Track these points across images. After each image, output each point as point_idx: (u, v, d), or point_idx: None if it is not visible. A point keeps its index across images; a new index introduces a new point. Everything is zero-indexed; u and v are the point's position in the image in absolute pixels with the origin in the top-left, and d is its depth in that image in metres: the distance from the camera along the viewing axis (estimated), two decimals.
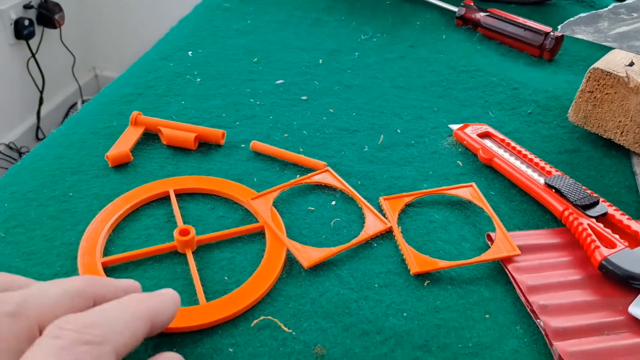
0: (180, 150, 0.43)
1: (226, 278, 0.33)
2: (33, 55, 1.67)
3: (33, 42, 1.67)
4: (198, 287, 0.32)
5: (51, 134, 0.45)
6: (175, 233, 0.34)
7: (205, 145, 0.43)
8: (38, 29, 1.68)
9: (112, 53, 1.92)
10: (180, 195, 0.39)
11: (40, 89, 1.74)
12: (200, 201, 0.38)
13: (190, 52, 0.55)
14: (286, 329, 0.31)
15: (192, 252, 0.34)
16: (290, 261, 0.34)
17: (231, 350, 0.29)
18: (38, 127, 1.77)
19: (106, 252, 0.34)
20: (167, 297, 0.27)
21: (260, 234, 0.36)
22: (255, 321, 0.31)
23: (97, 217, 0.36)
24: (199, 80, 0.51)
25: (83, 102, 1.89)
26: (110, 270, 0.33)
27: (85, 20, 1.86)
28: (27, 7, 1.62)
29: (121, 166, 0.41)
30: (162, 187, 0.38)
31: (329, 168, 0.41)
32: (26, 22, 1.60)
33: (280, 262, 0.34)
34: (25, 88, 1.70)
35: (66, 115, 1.87)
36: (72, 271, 0.33)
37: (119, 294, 0.26)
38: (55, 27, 1.69)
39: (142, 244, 0.35)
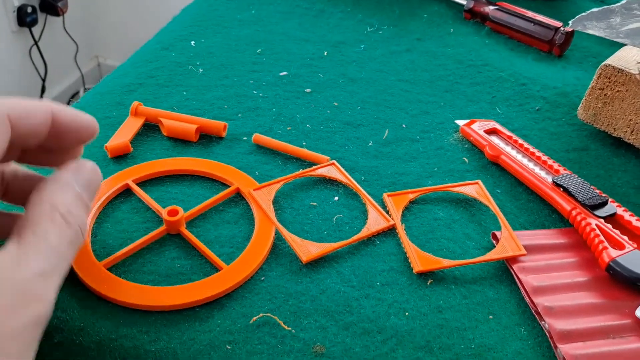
0: (181, 142, 0.42)
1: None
2: (36, 42, 1.66)
3: (36, 30, 1.66)
4: (211, 255, 0.33)
5: None
6: (164, 215, 0.34)
7: (206, 137, 0.42)
8: (41, 17, 1.66)
9: (116, 41, 1.91)
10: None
11: (43, 77, 1.73)
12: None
13: (192, 42, 0.54)
14: (285, 327, 0.30)
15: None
16: (291, 257, 0.34)
17: (229, 347, 0.29)
18: None
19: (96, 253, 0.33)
20: (35, 103, 0.26)
21: (240, 199, 0.37)
22: (254, 318, 0.30)
23: None
24: (201, 70, 0.50)
25: (85, 90, 1.88)
26: (111, 269, 0.32)
27: (88, 8, 1.84)
28: None
29: (120, 157, 0.40)
30: (122, 178, 0.38)
31: (334, 161, 0.40)
32: (29, 10, 1.59)
33: (267, 247, 0.34)
34: (27, 76, 1.69)
35: (68, 103, 1.87)
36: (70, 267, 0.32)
37: None
38: (58, 15, 1.68)
39: (130, 237, 0.34)
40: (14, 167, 0.30)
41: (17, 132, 0.25)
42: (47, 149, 0.29)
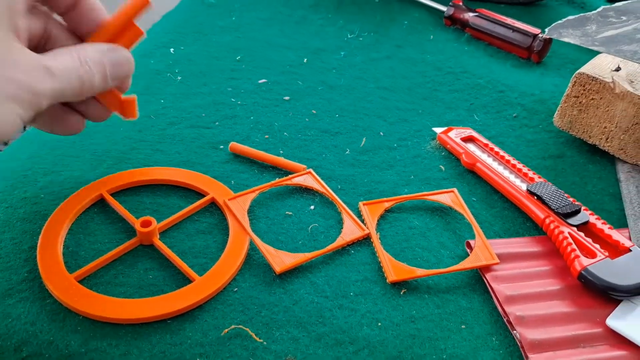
0: (157, 151, 0.42)
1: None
2: None
3: None
4: (184, 266, 0.33)
5: (25, 132, 0.44)
6: (137, 226, 0.34)
7: (182, 145, 0.42)
8: None
9: None
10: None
11: None
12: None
13: (172, 49, 0.54)
14: (257, 339, 0.30)
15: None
16: (264, 268, 0.34)
17: None
18: None
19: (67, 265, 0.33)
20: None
21: (215, 209, 0.38)
22: (226, 330, 0.30)
23: (43, 234, 0.34)
24: (179, 78, 0.50)
25: None
26: (82, 281, 0.32)
27: None
28: None
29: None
30: (96, 189, 0.37)
31: (310, 170, 0.40)
32: None
33: (240, 258, 0.34)
34: None
35: None
36: (40, 279, 0.32)
37: None
38: None
39: (102, 249, 0.34)
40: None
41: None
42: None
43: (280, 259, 0.34)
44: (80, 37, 0.33)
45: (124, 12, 0.31)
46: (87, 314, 0.30)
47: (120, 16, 0.31)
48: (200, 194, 0.38)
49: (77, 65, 0.29)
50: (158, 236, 0.34)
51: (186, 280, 0.33)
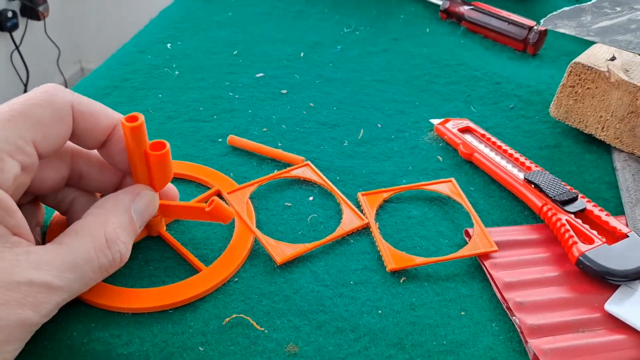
0: None
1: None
2: (17, 47, 1.64)
3: (17, 34, 1.64)
4: (191, 256, 0.33)
5: None
6: None
7: (180, 139, 0.42)
8: (22, 21, 1.65)
9: (98, 45, 1.90)
10: None
11: (25, 82, 1.72)
12: None
13: (169, 45, 0.54)
14: (258, 327, 0.30)
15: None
16: (265, 258, 0.34)
17: (201, 349, 0.29)
18: None
19: None
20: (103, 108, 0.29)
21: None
22: (227, 319, 0.30)
23: (50, 226, 0.34)
24: (177, 73, 0.50)
25: None
26: None
27: (70, 11, 1.83)
28: None
29: None
30: None
31: (308, 162, 0.41)
32: (9, 14, 1.58)
33: (245, 250, 0.34)
34: (9, 81, 1.67)
35: None
36: None
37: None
38: (39, 19, 1.67)
39: None
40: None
41: (78, 128, 0.27)
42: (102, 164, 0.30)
43: (281, 250, 0.34)
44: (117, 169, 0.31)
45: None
46: (91, 302, 0.30)
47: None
48: (205, 186, 0.38)
49: (93, 255, 0.25)
50: (165, 228, 0.35)
51: (188, 272, 0.33)
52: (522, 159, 0.41)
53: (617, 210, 0.39)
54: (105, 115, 0.28)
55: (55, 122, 0.26)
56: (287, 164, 0.41)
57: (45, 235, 0.33)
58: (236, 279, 0.33)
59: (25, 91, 1.72)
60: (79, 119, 0.27)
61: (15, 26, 1.61)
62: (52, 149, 0.26)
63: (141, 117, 0.27)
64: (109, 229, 0.26)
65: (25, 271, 0.23)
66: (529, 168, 0.40)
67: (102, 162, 0.31)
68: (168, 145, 0.29)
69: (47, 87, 0.27)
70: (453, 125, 0.45)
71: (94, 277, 0.26)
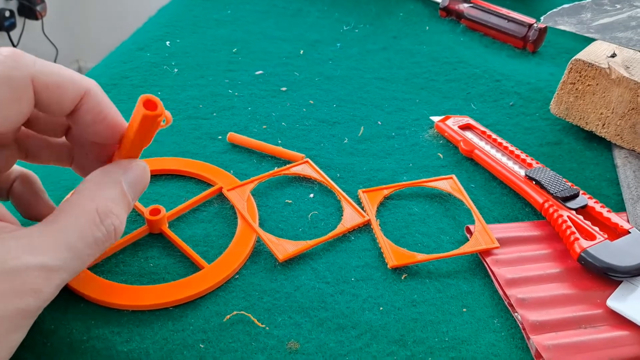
0: (154, 140, 0.42)
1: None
2: (14, 47, 1.64)
3: (14, 34, 1.64)
4: (193, 254, 0.33)
5: None
6: (146, 214, 0.33)
7: (180, 136, 0.42)
8: (19, 20, 1.65)
9: (96, 45, 1.89)
10: None
11: None
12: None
13: (168, 42, 0.54)
14: (259, 324, 0.30)
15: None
16: (266, 255, 0.34)
17: (202, 346, 0.29)
18: None
19: None
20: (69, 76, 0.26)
21: (223, 198, 0.37)
22: (228, 316, 0.30)
23: None
24: (176, 70, 0.50)
25: None
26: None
27: (68, 11, 1.83)
28: None
29: None
30: None
31: (308, 159, 0.40)
32: (7, 14, 1.57)
33: (248, 248, 0.34)
34: None
35: None
36: None
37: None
38: (37, 19, 1.66)
39: None
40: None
41: (41, 103, 0.24)
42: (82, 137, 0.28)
43: (283, 247, 0.34)
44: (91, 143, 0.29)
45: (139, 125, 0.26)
46: (91, 299, 0.30)
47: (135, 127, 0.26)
48: (206, 183, 0.38)
49: (86, 230, 0.24)
50: (167, 225, 0.34)
51: (189, 269, 0.32)
52: (522, 155, 0.41)
53: (618, 207, 0.39)
54: (72, 84, 0.25)
55: (13, 100, 0.23)
56: (287, 161, 0.41)
57: None
58: (237, 276, 0.32)
59: None
60: (42, 93, 0.24)
61: (12, 26, 1.61)
62: (11, 128, 0.24)
63: (160, 106, 0.25)
64: (100, 202, 0.25)
65: (18, 257, 0.22)
66: (529, 165, 0.40)
67: (52, 141, 0.29)
68: (161, 104, 0.25)
69: (2, 56, 0.23)
70: (453, 123, 0.45)
71: (90, 252, 0.24)
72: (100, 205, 0.25)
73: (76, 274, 0.24)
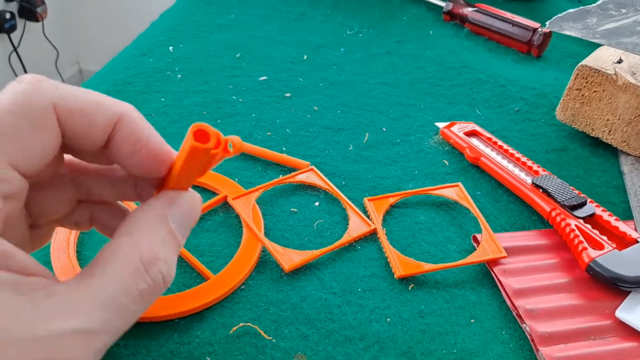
0: None
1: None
2: (15, 49, 1.64)
3: (15, 36, 1.64)
4: (198, 264, 0.32)
5: None
6: None
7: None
8: (20, 22, 1.64)
9: (97, 46, 1.89)
10: None
11: None
12: None
13: (171, 48, 0.54)
14: (266, 336, 0.30)
15: None
16: (271, 265, 0.33)
17: (208, 359, 0.28)
18: None
19: (82, 263, 0.33)
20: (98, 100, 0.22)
21: (227, 207, 0.37)
22: (234, 328, 0.30)
23: (55, 235, 0.33)
24: (179, 76, 0.50)
25: None
26: None
27: (68, 13, 1.82)
28: (8, 0, 1.59)
29: None
30: None
31: (313, 167, 0.40)
32: (7, 16, 1.57)
33: (254, 258, 0.33)
34: (6, 83, 1.66)
35: None
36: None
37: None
38: (37, 21, 1.66)
39: None
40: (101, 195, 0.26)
41: (69, 133, 0.21)
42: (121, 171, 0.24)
43: (289, 257, 0.33)
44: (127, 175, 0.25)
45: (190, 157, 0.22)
46: None
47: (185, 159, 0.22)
48: (211, 192, 0.38)
49: (129, 283, 0.20)
50: None
51: (194, 280, 0.32)
52: (529, 163, 0.40)
53: (626, 214, 0.39)
54: (100, 110, 0.22)
55: (35, 131, 0.20)
56: (291, 169, 0.40)
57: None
58: (243, 287, 0.32)
59: None
60: (67, 121, 0.21)
61: (13, 28, 1.60)
62: (39, 164, 0.21)
63: (213, 138, 0.21)
64: (144, 247, 0.21)
65: (51, 320, 0.18)
66: (536, 172, 0.40)
67: (109, 171, 0.25)
68: (216, 134, 0.21)
69: (22, 84, 0.20)
70: (459, 129, 0.44)
71: (136, 308, 0.20)
72: (145, 250, 0.21)
73: (120, 335, 0.21)
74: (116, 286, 0.20)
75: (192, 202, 0.24)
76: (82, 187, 0.25)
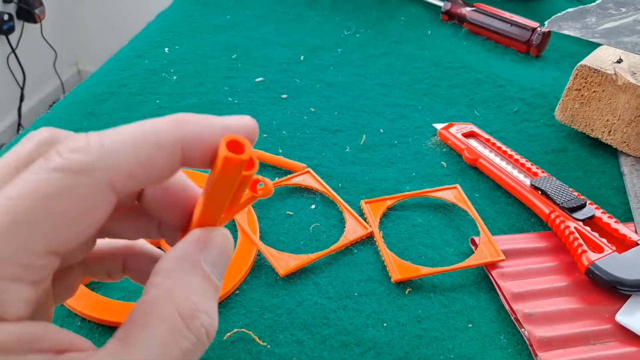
0: None
1: None
2: (13, 50, 1.63)
3: (13, 37, 1.63)
4: None
5: (18, 136, 0.43)
6: None
7: None
8: (18, 24, 1.64)
9: (95, 47, 1.89)
10: None
11: (21, 85, 1.70)
12: None
13: (166, 49, 0.53)
14: (261, 342, 0.29)
15: None
16: (266, 269, 0.33)
17: None
18: (19, 124, 1.73)
19: None
20: (210, 119, 0.19)
21: None
22: (229, 334, 0.29)
23: None
24: (175, 78, 0.49)
25: None
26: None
27: (66, 14, 1.82)
28: (6, 1, 1.58)
29: None
30: None
31: (309, 169, 0.40)
32: (5, 17, 1.57)
33: (249, 262, 0.33)
34: (5, 84, 1.66)
35: None
36: None
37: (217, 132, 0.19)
38: (35, 22, 1.66)
39: None
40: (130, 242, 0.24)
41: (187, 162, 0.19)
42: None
43: (284, 261, 0.33)
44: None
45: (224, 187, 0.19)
46: (89, 317, 0.29)
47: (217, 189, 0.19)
48: None
49: (170, 344, 0.18)
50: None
51: None
52: (528, 164, 0.40)
53: (626, 216, 0.38)
54: (151, 170, 0.18)
55: (82, 215, 0.17)
56: (288, 171, 0.40)
57: None
58: (237, 292, 0.32)
59: (21, 95, 1.71)
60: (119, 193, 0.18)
61: (11, 29, 1.60)
62: (79, 244, 0.18)
63: (248, 147, 0.18)
64: (181, 301, 0.19)
65: None
66: (535, 174, 0.39)
67: (132, 210, 0.23)
68: (249, 147, 0.18)
69: (69, 160, 0.17)
70: (457, 130, 0.44)
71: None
72: (182, 304, 0.19)
73: None
74: (156, 348, 0.18)
75: (223, 240, 0.21)
76: (104, 228, 0.23)
